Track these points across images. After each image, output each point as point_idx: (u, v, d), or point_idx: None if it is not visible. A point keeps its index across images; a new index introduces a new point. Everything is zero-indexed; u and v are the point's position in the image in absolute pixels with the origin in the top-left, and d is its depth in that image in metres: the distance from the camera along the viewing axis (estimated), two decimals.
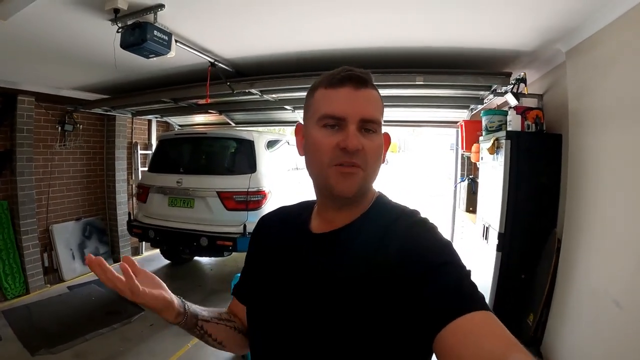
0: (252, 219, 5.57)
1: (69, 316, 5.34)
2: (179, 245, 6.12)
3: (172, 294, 1.14)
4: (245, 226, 5.49)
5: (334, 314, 0.99)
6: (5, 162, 5.86)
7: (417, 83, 4.44)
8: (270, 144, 6.39)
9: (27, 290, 6.07)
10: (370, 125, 1.04)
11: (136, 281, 1.00)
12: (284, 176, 6.54)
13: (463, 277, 0.93)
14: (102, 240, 7.49)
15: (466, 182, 7.28)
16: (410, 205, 1.17)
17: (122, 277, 1.00)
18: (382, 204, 1.16)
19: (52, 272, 6.66)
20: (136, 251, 8.25)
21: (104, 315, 5.33)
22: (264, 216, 1.40)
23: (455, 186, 7.96)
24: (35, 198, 6.22)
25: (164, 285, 1.14)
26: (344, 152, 1.02)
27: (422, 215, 1.12)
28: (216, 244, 5.54)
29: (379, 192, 1.20)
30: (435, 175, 21.73)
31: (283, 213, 1.34)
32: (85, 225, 7.26)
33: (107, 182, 7.72)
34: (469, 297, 0.89)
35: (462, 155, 7.51)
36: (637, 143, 2.80)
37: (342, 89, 1.04)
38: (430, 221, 1.09)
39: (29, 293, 6.05)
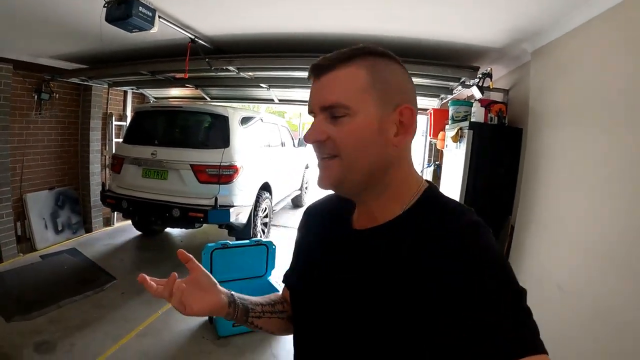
0: (223, 192, 5.75)
1: (42, 284, 5.36)
2: (152, 216, 6.19)
3: (221, 294, 1.14)
4: (216, 199, 5.63)
5: (357, 320, 0.95)
6: None
7: None
8: (245, 120, 6.49)
9: (0, 259, 6.03)
10: (336, 111, 0.94)
11: (179, 301, 1.04)
12: (257, 152, 6.67)
13: (515, 310, 0.77)
14: (74, 210, 7.47)
15: (432, 167, 7.47)
16: (462, 203, 1.00)
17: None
18: (429, 199, 0.99)
19: (25, 241, 6.58)
20: (108, 222, 8.24)
21: (77, 284, 5.37)
22: (310, 205, 1.31)
23: (422, 171, 8.13)
24: (9, 167, 6.16)
25: (214, 282, 1.15)
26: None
27: (475, 217, 0.92)
28: (188, 216, 5.66)
29: (427, 183, 1.04)
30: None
31: (331, 202, 1.22)
32: (58, 194, 7.22)
33: (81, 152, 7.67)
34: (520, 338, 0.74)
35: (430, 141, 7.68)
36: (587, 142, 2.98)
37: (312, 82, 1.00)
38: (484, 226, 0.90)
39: (2, 262, 6.01)
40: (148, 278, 1.06)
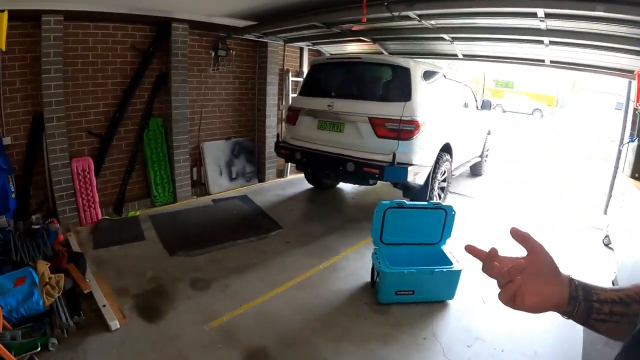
0: (402, 149, 5.24)
1: (210, 226, 5.56)
2: (325, 169, 5.98)
3: (563, 285, 0.87)
4: (394, 155, 5.10)
5: None
6: (161, 84, 6.11)
7: (593, 14, 3.64)
8: (427, 74, 5.85)
9: (175, 199, 6.44)
10: None
11: (511, 293, 0.85)
12: (439, 110, 6.03)
13: None
14: (249, 160, 7.61)
15: (636, 143, 6.28)
16: None
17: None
18: None
19: (200, 186, 6.98)
20: (281, 174, 8.30)
21: (243, 228, 5.46)
22: None
23: (621, 147, 6.92)
24: (188, 117, 6.44)
25: (556, 269, 0.88)
26: None
27: None
28: (363, 171, 5.26)
29: None
30: (596, 136, 18.67)
31: None
32: (234, 144, 7.39)
33: (258, 105, 7.77)
34: None
35: (635, 111, 6.46)
36: None
37: None
38: None
39: (176, 202, 6.41)
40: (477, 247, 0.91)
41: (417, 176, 5.46)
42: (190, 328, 3.39)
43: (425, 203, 4.35)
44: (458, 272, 4.00)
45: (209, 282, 4.10)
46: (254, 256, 4.73)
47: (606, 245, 5.77)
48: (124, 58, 5.63)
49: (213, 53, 6.76)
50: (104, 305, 3.44)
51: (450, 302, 4.12)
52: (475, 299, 4.13)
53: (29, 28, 4.64)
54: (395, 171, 5.12)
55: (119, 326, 3.29)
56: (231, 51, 6.98)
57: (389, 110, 5.32)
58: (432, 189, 5.89)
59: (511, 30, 5.02)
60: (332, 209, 6.59)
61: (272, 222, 5.74)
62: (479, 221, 6.49)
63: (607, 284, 4.72)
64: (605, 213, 6.89)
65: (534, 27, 4.60)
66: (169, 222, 5.53)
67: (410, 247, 4.35)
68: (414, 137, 5.27)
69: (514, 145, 14.83)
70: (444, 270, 3.97)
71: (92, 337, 3.15)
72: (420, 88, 5.51)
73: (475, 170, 9.41)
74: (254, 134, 7.83)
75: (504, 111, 30.72)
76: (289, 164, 8.04)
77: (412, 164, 5.27)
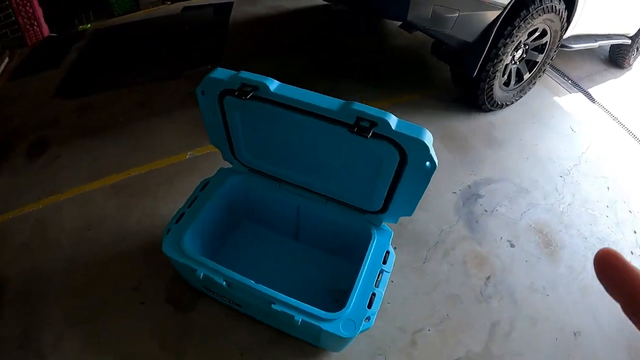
0: None
1: (135, 50, 3.89)
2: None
3: None
4: None
5: None
6: None
7: None
8: None
9: (138, 7, 4.75)
10: None
11: None
12: None
13: None
14: None
15: None
16: None
17: None
18: None
19: None
20: None
21: (165, 59, 3.73)
22: None
23: None
24: None
25: None
26: None
27: None
28: None
29: None
30: None
31: None
32: None
33: None
34: None
35: None
36: None
37: None
38: None
39: (139, 10, 4.73)
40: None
41: (456, 20, 2.36)
42: None
43: (332, 107, 1.36)
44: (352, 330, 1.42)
45: (46, 148, 2.83)
46: (129, 110, 3.13)
47: None
48: None
49: None
50: None
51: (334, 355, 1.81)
52: None
53: None
54: None
55: None
56: None
57: None
58: (498, 57, 2.68)
59: None
60: (328, 42, 3.96)
61: (214, 52, 3.74)
62: (576, 151, 3.12)
63: None
64: None
65: None
66: (103, 41, 4.09)
67: (300, 193, 1.78)
68: None
69: None
70: (298, 317, 1.41)
71: None
72: None
73: (616, 57, 5.00)
74: None
75: None
76: None
77: None
